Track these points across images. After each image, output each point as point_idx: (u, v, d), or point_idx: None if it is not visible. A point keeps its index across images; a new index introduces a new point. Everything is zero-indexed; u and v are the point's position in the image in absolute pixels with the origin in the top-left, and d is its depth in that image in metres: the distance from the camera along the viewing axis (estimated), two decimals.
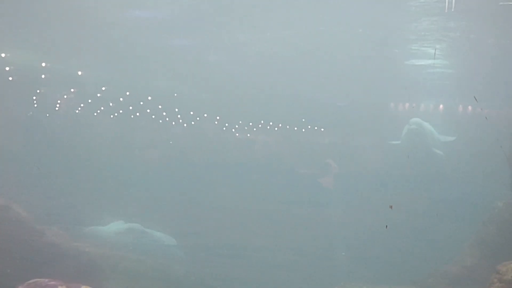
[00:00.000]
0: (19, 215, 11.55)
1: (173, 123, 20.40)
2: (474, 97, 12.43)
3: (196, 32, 17.71)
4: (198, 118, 20.45)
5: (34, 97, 18.89)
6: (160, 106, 20.25)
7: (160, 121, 20.34)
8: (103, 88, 19.72)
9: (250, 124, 20.29)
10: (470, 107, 18.44)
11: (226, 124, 20.51)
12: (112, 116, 19.90)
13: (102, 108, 19.81)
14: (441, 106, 19.10)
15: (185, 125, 20.40)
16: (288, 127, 20.09)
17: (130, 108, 19.94)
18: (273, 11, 15.36)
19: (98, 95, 19.53)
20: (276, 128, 20.18)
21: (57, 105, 19.35)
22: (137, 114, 19.99)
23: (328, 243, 16.13)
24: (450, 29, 14.09)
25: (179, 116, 20.22)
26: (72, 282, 6.99)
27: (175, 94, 19.91)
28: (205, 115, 20.34)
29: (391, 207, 10.87)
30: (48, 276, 7.07)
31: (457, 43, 15.06)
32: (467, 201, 15.07)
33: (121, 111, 19.94)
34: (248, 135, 20.52)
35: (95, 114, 19.85)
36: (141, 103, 19.88)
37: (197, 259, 14.77)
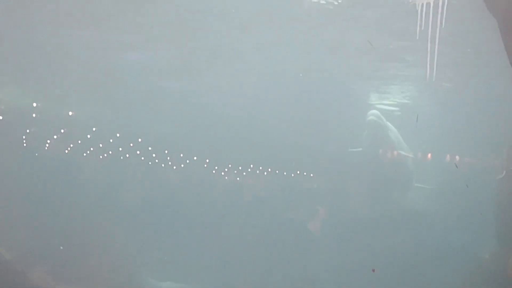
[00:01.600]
0: (1, 256, 11.40)
1: (163, 165, 20.39)
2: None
3: (186, 75, 17.98)
4: (187, 161, 20.46)
5: (24, 137, 18.89)
6: (150, 148, 20.29)
7: (150, 163, 20.34)
8: (94, 129, 19.78)
9: (240, 168, 20.32)
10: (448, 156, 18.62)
11: (216, 167, 20.52)
12: (101, 157, 19.88)
13: (91, 149, 19.81)
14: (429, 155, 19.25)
15: (174, 167, 20.40)
16: (277, 171, 20.12)
17: (120, 149, 19.95)
18: (263, 54, 15.70)
19: (88, 136, 19.57)
20: (265, 173, 20.21)
21: (47, 145, 19.34)
22: (127, 155, 19.98)
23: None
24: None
25: (168, 158, 20.23)
26: None
27: (165, 137, 19.99)
28: (195, 157, 20.37)
29: (373, 270, 10.78)
30: None
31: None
32: (453, 252, 15.01)
33: (110, 152, 19.93)
34: (238, 178, 20.51)
35: (85, 154, 19.83)
36: (131, 144, 19.91)
37: None
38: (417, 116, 16.97)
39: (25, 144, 19.19)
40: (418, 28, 5.77)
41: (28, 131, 19.03)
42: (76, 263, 15.94)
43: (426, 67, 5.86)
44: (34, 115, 18.95)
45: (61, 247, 16.51)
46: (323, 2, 11.16)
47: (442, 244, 16.00)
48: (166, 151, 20.21)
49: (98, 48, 16.02)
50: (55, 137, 19.15)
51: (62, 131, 19.24)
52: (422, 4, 5.68)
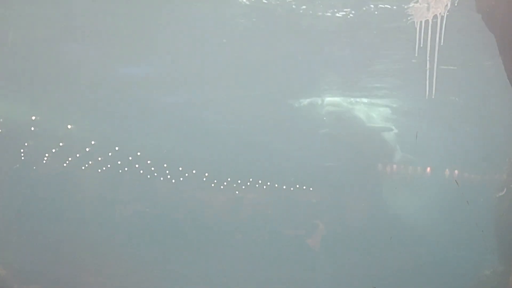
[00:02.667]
0: None
1: (161, 178, 20.29)
2: None
3: (186, 90, 17.95)
4: (186, 174, 20.37)
5: (22, 150, 18.82)
6: (149, 162, 20.21)
7: (148, 176, 20.25)
8: (93, 142, 19.72)
9: (239, 181, 20.22)
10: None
11: (215, 181, 20.42)
12: (100, 170, 19.79)
13: (90, 162, 19.72)
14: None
15: (173, 181, 20.29)
16: (276, 185, 20.02)
17: (119, 163, 19.88)
18: (262, 71, 15.71)
19: (87, 149, 19.50)
20: (264, 187, 20.11)
21: (45, 159, 19.26)
22: (126, 169, 19.90)
23: None
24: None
25: (167, 172, 20.14)
26: None
27: (165, 150, 19.93)
28: (194, 171, 20.27)
29: None
30: None
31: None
32: (453, 269, 14.88)
33: (109, 166, 19.85)
34: (237, 192, 20.41)
35: (83, 168, 19.75)
36: (130, 158, 19.84)
37: None
38: (416, 134, 16.95)
39: (23, 157, 19.13)
40: (417, 45, 5.73)
41: (26, 144, 18.98)
42: (71, 279, 15.80)
43: (425, 84, 5.82)
44: (32, 128, 18.91)
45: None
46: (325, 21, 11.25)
47: (443, 261, 15.87)
48: (164, 165, 20.14)
49: (97, 62, 16.02)
50: (53, 150, 19.09)
51: (61, 144, 19.18)
52: (421, 22, 5.65)
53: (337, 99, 17.12)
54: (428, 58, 5.65)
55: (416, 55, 5.72)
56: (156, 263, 17.58)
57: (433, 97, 5.77)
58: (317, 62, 14.20)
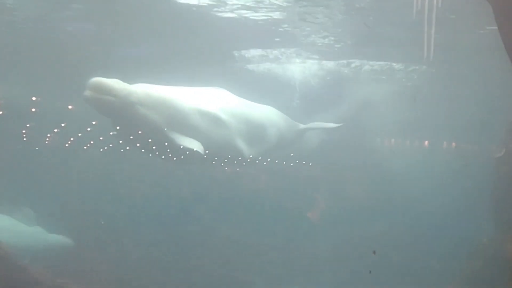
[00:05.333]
0: (0, 249, 11.46)
1: (163, 157, 20.38)
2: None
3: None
4: (187, 153, 20.45)
5: (23, 131, 18.93)
6: (150, 140, 20.27)
7: (150, 155, 20.33)
8: (94, 123, 19.77)
9: (239, 158, 20.31)
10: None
11: (215, 158, 20.52)
12: (101, 150, 19.90)
13: (91, 142, 19.82)
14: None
15: (174, 159, 20.38)
16: (276, 161, 20.15)
17: (120, 142, 19.96)
18: None
19: (88, 129, 19.57)
20: (264, 163, 20.22)
21: (47, 140, 19.37)
22: (127, 148, 19.98)
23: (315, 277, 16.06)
24: None
25: (168, 150, 20.22)
26: None
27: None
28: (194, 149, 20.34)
29: (374, 252, 10.88)
30: None
31: None
32: (450, 236, 15.08)
33: (111, 145, 19.95)
34: (237, 169, 20.53)
35: (85, 148, 19.86)
36: (131, 137, 19.91)
37: None
38: (415, 99, 17.07)
39: (25, 139, 19.24)
40: (414, 8, 5.83)
41: (28, 125, 19.08)
42: (77, 258, 16.05)
43: (423, 48, 5.93)
44: (33, 109, 18.97)
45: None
46: None
47: (440, 229, 16.07)
48: (165, 143, 20.20)
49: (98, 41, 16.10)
50: (55, 130, 19.19)
51: (62, 125, 19.27)
52: None
53: (331, 63, 17.10)
54: (426, 20, 5.76)
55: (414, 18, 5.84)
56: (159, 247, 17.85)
57: (431, 59, 5.91)
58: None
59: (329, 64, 17.58)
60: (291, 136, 15.52)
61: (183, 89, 12.94)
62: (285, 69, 18.33)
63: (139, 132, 12.09)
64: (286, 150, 16.78)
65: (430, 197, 17.26)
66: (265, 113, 14.62)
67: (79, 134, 16.81)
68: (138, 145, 12.82)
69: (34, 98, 18.17)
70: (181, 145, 12.76)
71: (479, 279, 12.13)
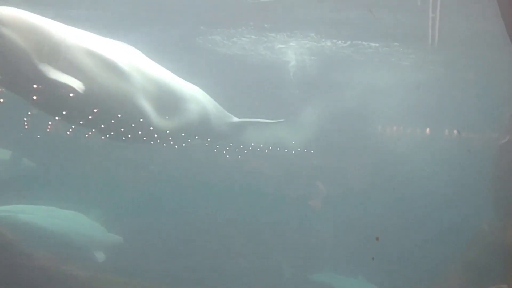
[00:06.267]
0: (4, 237, 11.56)
1: (164, 145, 20.39)
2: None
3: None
4: (189, 140, 20.48)
5: (25, 119, 18.91)
6: (151, 128, 20.28)
7: (152, 142, 20.35)
8: (95, 110, 19.73)
9: (241, 146, 20.40)
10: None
11: (217, 146, 20.59)
12: (103, 138, 19.90)
13: (93, 130, 19.81)
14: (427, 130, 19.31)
15: (176, 147, 20.40)
16: (278, 149, 20.21)
17: (122, 130, 19.95)
18: None
19: (90, 117, 19.56)
20: (266, 151, 20.29)
21: (48, 127, 19.36)
22: (129, 136, 19.99)
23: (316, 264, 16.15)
24: None
25: (170, 138, 20.24)
26: None
27: (166, 116, 19.99)
28: (196, 137, 20.39)
29: (377, 238, 10.91)
30: None
31: None
32: (451, 223, 15.13)
33: (112, 133, 19.94)
34: (239, 156, 20.61)
35: (86, 136, 19.84)
36: (133, 125, 19.90)
37: None
38: (418, 86, 17.03)
39: (26, 127, 19.23)
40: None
41: (29, 113, 19.05)
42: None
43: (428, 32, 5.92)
44: (34, 97, 18.92)
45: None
46: None
47: (440, 216, 16.12)
48: (167, 131, 20.22)
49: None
50: (56, 118, 19.16)
51: (64, 112, 19.24)
52: None
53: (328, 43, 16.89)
54: (431, 6, 5.75)
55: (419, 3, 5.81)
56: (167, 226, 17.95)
57: (435, 45, 5.89)
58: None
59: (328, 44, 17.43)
60: (221, 126, 14.90)
61: (75, 30, 11.22)
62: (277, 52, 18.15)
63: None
64: (220, 140, 16.59)
65: (432, 183, 17.29)
66: (187, 88, 13.56)
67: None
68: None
69: None
70: (54, 79, 10.92)
71: (479, 265, 12.21)
